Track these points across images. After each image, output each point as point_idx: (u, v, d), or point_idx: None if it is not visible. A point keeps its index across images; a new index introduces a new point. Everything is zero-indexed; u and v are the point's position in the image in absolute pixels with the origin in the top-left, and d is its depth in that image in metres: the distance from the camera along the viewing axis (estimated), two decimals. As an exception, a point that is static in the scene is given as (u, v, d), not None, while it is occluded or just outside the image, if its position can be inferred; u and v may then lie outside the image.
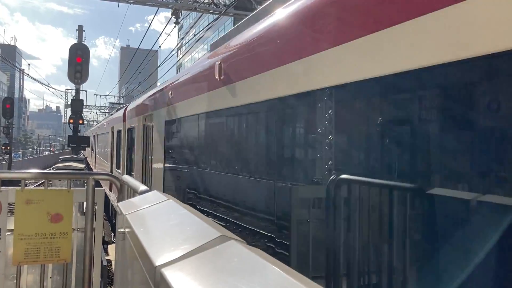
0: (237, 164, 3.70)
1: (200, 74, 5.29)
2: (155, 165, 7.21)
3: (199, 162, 5.02)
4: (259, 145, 3.30)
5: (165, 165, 6.36)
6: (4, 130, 27.88)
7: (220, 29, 60.48)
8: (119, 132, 12.56)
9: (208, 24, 42.15)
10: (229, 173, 3.82)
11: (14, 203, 2.77)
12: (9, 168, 29.04)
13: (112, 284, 7.73)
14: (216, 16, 17.58)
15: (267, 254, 1.03)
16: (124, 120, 11.51)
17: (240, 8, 17.83)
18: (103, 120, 29.87)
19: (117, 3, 15.10)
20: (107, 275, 7.59)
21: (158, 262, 1.08)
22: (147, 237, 1.36)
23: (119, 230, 1.91)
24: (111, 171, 13.48)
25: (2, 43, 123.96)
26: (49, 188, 2.89)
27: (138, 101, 10.09)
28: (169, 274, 0.99)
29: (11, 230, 2.79)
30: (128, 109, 11.43)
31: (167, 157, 6.40)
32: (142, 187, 2.48)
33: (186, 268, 1.03)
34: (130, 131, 10.37)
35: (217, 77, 3.99)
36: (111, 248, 10.68)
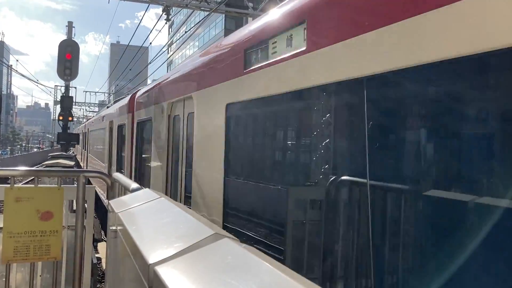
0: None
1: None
2: (209, 175, 4.25)
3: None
4: None
5: (235, 173, 3.85)
6: (-8, 126, 27.58)
7: (211, 26, 60.27)
8: (121, 127, 10.08)
9: (199, 21, 41.97)
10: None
11: (3, 200, 2.74)
12: (-3, 165, 28.73)
13: (103, 282, 7.70)
14: (207, 13, 17.52)
15: (260, 252, 1.04)
16: (131, 110, 9.14)
17: (231, 5, 17.80)
18: (97, 114, 23.93)
19: (107, -1, 15.00)
20: (97, 273, 7.56)
21: (151, 260, 1.08)
22: (140, 235, 1.36)
23: (110, 228, 1.90)
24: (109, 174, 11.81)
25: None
26: (39, 185, 2.87)
27: (160, 83, 7.31)
28: (163, 272, 0.99)
29: (0, 228, 2.77)
30: (139, 95, 8.85)
31: (237, 160, 3.86)
32: (134, 185, 2.47)
33: (180, 266, 1.03)
34: (142, 124, 8.12)
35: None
36: (101, 246, 10.63)
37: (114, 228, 1.83)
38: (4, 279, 2.86)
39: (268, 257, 0.98)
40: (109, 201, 2.25)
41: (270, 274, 0.86)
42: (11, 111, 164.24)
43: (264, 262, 0.92)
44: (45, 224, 2.82)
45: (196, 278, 0.94)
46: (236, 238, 1.19)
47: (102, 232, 14.12)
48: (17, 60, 37.16)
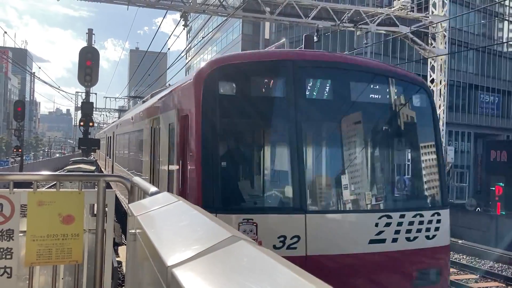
0: None
1: None
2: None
3: None
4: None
5: None
6: (16, 132, 28.20)
7: (229, 31, 60.54)
8: (172, 125, 6.36)
9: (217, 26, 42.16)
10: None
11: (26, 204, 2.80)
12: (21, 170, 29.33)
13: (123, 286, 7.77)
14: (225, 18, 17.62)
15: (277, 255, 1.04)
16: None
17: (248, 10, 17.86)
18: (127, 112, 19.00)
19: (127, 6, 15.22)
20: (118, 277, 7.63)
21: (169, 262, 1.09)
22: (158, 238, 1.37)
23: (130, 231, 1.92)
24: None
25: (13, 46, 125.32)
26: (60, 190, 2.92)
27: None
28: (181, 274, 1.00)
29: (24, 232, 2.82)
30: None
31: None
32: (153, 189, 2.50)
33: (197, 268, 1.04)
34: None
35: None
36: (122, 249, 10.74)
37: (133, 231, 1.85)
38: (27, 282, 2.92)
39: (285, 260, 0.98)
40: (129, 205, 2.27)
41: (286, 277, 0.86)
42: (34, 117, 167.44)
43: (280, 265, 0.92)
44: (66, 227, 2.87)
45: (213, 280, 0.95)
46: (253, 241, 1.20)
47: (123, 236, 14.25)
48: (40, 67, 37.85)
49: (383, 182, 6.25)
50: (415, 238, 5.28)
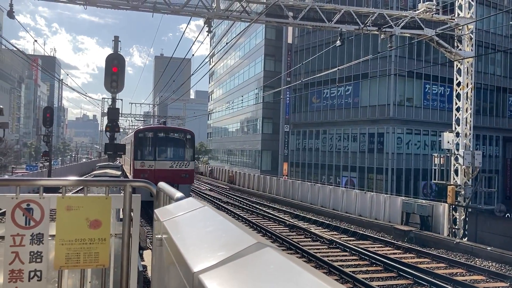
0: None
1: None
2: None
3: None
4: None
5: None
6: (45, 138, 28.85)
7: (252, 36, 60.79)
8: (131, 143, 28.84)
9: (240, 32, 42.30)
10: None
11: (55, 209, 2.86)
12: (49, 175, 30.01)
13: (148, 290, 7.84)
14: (248, 23, 17.69)
15: (303, 262, 1.04)
16: None
17: (271, 15, 17.90)
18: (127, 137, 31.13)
19: (152, 13, 15.45)
20: (143, 281, 7.71)
21: (196, 268, 1.10)
22: (184, 243, 1.39)
23: (156, 236, 1.95)
24: None
25: (43, 54, 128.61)
26: (88, 195, 2.97)
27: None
28: (207, 280, 1.01)
29: (53, 236, 2.88)
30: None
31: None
32: (178, 194, 2.52)
33: (223, 274, 1.05)
34: None
35: None
36: (147, 254, 10.85)
37: (159, 236, 1.87)
38: (56, 285, 2.97)
39: (311, 268, 0.98)
40: (155, 210, 2.30)
41: (314, 285, 0.85)
42: (62, 123, 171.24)
43: (308, 273, 0.92)
44: (94, 232, 2.91)
45: (239, 286, 0.95)
46: (279, 248, 1.19)
47: (148, 240, 14.40)
48: (67, 74, 38.73)
49: (177, 156, 23.35)
50: (181, 165, 22.84)
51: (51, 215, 2.90)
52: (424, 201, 20.89)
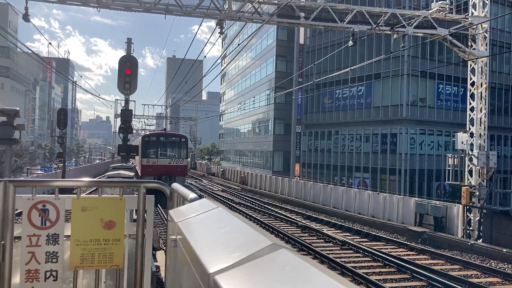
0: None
1: None
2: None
3: None
4: None
5: None
6: (59, 139, 29.16)
7: (264, 37, 60.81)
8: (140, 145, 34.42)
9: (252, 33, 42.32)
10: None
11: (70, 210, 2.89)
12: (63, 176, 30.33)
13: (161, 290, 7.88)
14: (260, 24, 17.71)
15: (319, 263, 1.03)
16: None
17: (283, 16, 17.89)
18: (137, 140, 42.29)
19: (164, 15, 15.55)
20: (156, 281, 7.75)
21: (211, 269, 1.10)
22: (199, 244, 1.39)
23: (171, 237, 1.95)
24: None
25: (57, 56, 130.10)
26: (102, 196, 3.00)
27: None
28: (223, 281, 1.01)
29: (68, 236, 2.91)
30: None
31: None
32: (192, 195, 2.53)
33: (239, 275, 1.05)
34: None
35: None
36: (159, 254, 10.91)
37: (174, 237, 1.88)
38: (71, 285, 3.00)
39: (327, 269, 0.97)
40: (169, 211, 2.30)
41: (330, 286, 0.85)
42: (76, 125, 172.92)
43: (324, 274, 0.91)
44: (108, 232, 2.93)
45: (255, 287, 0.95)
46: (294, 249, 1.19)
47: (160, 241, 14.48)
48: (81, 76, 39.20)
49: (174, 155, 30.19)
50: (177, 160, 29.69)
51: (66, 216, 2.93)
52: (437, 202, 20.69)
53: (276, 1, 17.30)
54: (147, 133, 39.22)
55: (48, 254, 2.82)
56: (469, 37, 19.17)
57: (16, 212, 2.82)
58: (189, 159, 41.87)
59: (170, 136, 32.27)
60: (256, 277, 1.02)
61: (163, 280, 8.49)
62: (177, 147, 31.00)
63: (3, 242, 2.73)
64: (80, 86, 30.44)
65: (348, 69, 21.02)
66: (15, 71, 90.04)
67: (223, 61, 76.00)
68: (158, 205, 20.99)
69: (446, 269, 13.60)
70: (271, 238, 1.29)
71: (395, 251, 15.81)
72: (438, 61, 38.76)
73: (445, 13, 18.43)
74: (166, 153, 30.64)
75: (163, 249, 12.32)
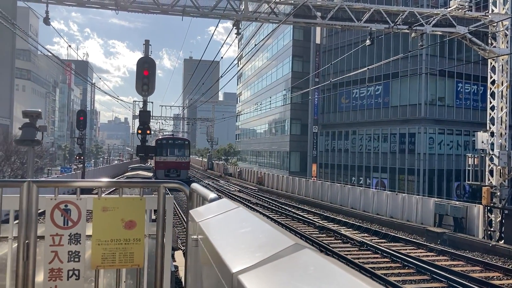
0: None
1: None
2: None
3: None
4: None
5: None
6: (78, 141, 29.57)
7: (280, 37, 60.75)
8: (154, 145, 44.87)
9: (268, 34, 42.39)
10: None
11: (90, 210, 2.93)
12: (83, 176, 30.75)
13: (179, 290, 7.93)
14: (276, 25, 17.71)
15: (343, 264, 1.03)
16: None
17: (299, 15, 17.84)
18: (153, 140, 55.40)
19: (181, 16, 15.64)
20: (175, 281, 7.80)
21: (234, 268, 1.11)
22: (221, 244, 1.39)
23: (192, 237, 1.96)
24: None
25: (76, 59, 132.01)
26: (123, 196, 3.03)
27: None
28: (247, 280, 1.01)
29: (89, 236, 2.95)
30: None
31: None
32: (212, 195, 2.54)
33: (262, 275, 1.05)
34: None
35: None
36: (178, 254, 10.98)
37: (195, 237, 1.89)
38: (93, 284, 3.04)
39: (351, 269, 0.97)
40: (189, 211, 2.32)
41: (355, 286, 0.85)
42: (94, 126, 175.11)
43: (349, 274, 0.91)
44: (128, 232, 2.97)
45: (280, 287, 0.95)
46: (317, 249, 1.19)
47: (178, 241, 14.57)
48: (100, 78, 39.70)
49: (180, 153, 42.21)
50: (182, 158, 42.15)
51: (87, 216, 2.97)
52: (457, 202, 20.38)
53: (293, 1, 17.27)
54: (160, 137, 51.66)
55: (70, 253, 2.87)
56: (489, 35, 18.86)
57: (38, 211, 2.88)
58: (190, 157, 54.32)
59: (177, 140, 45.78)
60: (280, 276, 1.02)
61: (181, 280, 8.55)
62: (182, 148, 43.53)
63: (27, 241, 2.78)
64: (99, 88, 30.80)
65: (365, 69, 20.86)
66: (36, 74, 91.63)
67: (239, 62, 76.17)
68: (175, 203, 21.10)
69: (466, 270, 13.39)
70: (293, 238, 1.29)
71: (414, 252, 15.63)
72: (457, 60, 38.20)
73: (464, 11, 18.16)
74: (174, 153, 42.64)
75: (181, 249, 12.40)
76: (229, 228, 1.69)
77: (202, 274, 1.71)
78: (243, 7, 16.79)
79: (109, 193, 16.67)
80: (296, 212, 24.97)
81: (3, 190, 2.90)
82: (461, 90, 39.17)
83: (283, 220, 21.82)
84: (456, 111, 39.03)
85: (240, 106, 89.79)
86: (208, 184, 41.25)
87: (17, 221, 2.88)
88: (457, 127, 38.85)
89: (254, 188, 40.90)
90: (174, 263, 8.98)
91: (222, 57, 19.72)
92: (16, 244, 2.86)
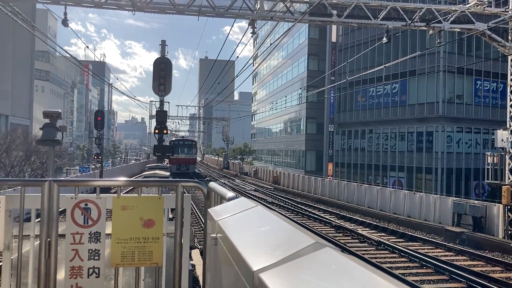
0: None
1: None
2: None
3: None
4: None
5: None
6: (96, 141, 29.93)
7: (295, 36, 60.59)
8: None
9: (284, 33, 42.28)
10: None
11: (111, 209, 2.96)
12: (101, 176, 31.13)
13: (196, 288, 7.98)
14: (292, 23, 17.66)
15: (365, 263, 1.02)
16: None
17: (315, 14, 17.76)
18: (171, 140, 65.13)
19: (197, 16, 15.71)
20: (192, 279, 7.85)
21: (255, 267, 1.11)
22: (241, 243, 1.40)
23: (210, 235, 1.97)
24: None
25: (93, 60, 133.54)
26: (142, 195, 3.06)
27: None
28: (267, 279, 1.02)
29: (108, 234, 2.99)
30: None
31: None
32: (230, 194, 2.55)
33: (283, 274, 1.05)
34: None
35: None
36: (195, 253, 11.04)
37: (214, 235, 1.89)
38: (112, 282, 3.08)
39: (373, 268, 0.96)
40: (208, 210, 2.33)
41: (380, 285, 0.84)
42: (112, 126, 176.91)
43: (371, 273, 0.90)
44: (147, 231, 2.99)
45: (301, 286, 0.95)
46: (337, 248, 1.18)
47: (195, 240, 14.65)
48: (117, 78, 40.14)
49: (188, 151, 54.50)
50: (190, 155, 54.80)
51: (107, 215, 3.01)
52: (476, 201, 20.09)
53: (308, 0, 17.21)
54: (173, 138, 61.80)
55: (90, 251, 2.91)
56: (509, 31, 18.52)
57: (59, 210, 2.92)
58: (197, 155, 68.10)
59: (186, 141, 58.27)
60: (301, 275, 1.02)
61: (198, 278, 8.60)
62: (190, 148, 55.79)
63: (48, 239, 2.83)
64: (116, 88, 31.20)
65: (382, 67, 20.69)
66: (55, 75, 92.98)
67: (254, 61, 76.21)
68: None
69: (486, 270, 13.19)
70: (313, 237, 1.28)
71: (432, 252, 15.46)
72: (476, 57, 37.62)
73: (484, 7, 17.87)
74: (184, 151, 53.67)
75: (198, 248, 12.46)
76: (248, 226, 1.69)
77: (222, 272, 1.72)
78: (258, 6, 16.79)
79: (126, 192, 16.80)
80: (312, 211, 24.90)
81: (25, 189, 2.96)
82: (480, 87, 38.57)
83: (299, 219, 21.78)
84: (474, 109, 38.45)
85: (255, 105, 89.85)
86: (224, 183, 41.37)
87: (38, 220, 2.94)
88: (476, 125, 38.28)
89: (270, 187, 40.90)
90: (191, 262, 9.03)
91: (237, 57, 19.76)
92: (38, 242, 2.92)
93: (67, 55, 19.98)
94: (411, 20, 17.01)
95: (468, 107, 38.31)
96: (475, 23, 17.85)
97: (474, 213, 18.15)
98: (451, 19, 17.38)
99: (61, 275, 2.91)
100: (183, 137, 65.75)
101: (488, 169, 19.25)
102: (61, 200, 2.89)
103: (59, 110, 8.64)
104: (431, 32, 17.47)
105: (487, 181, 19.88)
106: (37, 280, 2.86)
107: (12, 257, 3.05)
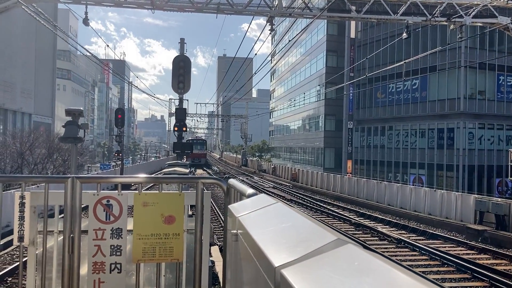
0: None
1: None
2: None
3: None
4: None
5: None
6: (117, 138, 30.31)
7: (313, 32, 60.25)
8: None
9: (302, 29, 42.08)
10: None
11: (132, 205, 3.00)
12: (121, 173, 31.52)
13: (215, 284, 8.02)
14: (311, 20, 17.57)
15: (388, 260, 1.01)
16: None
17: (333, 10, 17.63)
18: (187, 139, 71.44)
19: (215, 14, 15.76)
20: (212, 275, 7.90)
21: (277, 263, 1.11)
22: (262, 239, 1.40)
23: (231, 231, 1.98)
24: None
25: (113, 58, 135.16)
26: (162, 191, 3.09)
27: None
28: (290, 275, 1.02)
29: (130, 231, 3.03)
30: None
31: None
32: (250, 190, 2.55)
33: (305, 270, 1.05)
34: None
35: None
36: (214, 250, 11.10)
37: (234, 231, 1.90)
38: (133, 277, 3.12)
39: (397, 265, 0.96)
40: (228, 206, 2.34)
41: (404, 282, 0.83)
42: (132, 124, 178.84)
43: (396, 270, 0.90)
44: (168, 227, 3.03)
45: (324, 282, 0.94)
46: (359, 244, 1.18)
47: (215, 236, 14.73)
48: (137, 77, 40.51)
49: (200, 147, 68.91)
50: (201, 150, 67.87)
51: (128, 211, 3.04)
52: (499, 199, 19.72)
53: (327, -4, 17.10)
54: (189, 138, 70.43)
55: (112, 247, 2.95)
56: (533, 25, 18.09)
57: (82, 206, 2.97)
58: (207, 150, 78.14)
59: (198, 140, 71.75)
60: (323, 271, 1.01)
61: (218, 275, 8.65)
62: (201, 145, 68.96)
63: (72, 235, 2.88)
64: (136, 86, 31.45)
65: (402, 62, 20.44)
66: (76, 73, 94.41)
67: (272, 58, 76.07)
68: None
69: (510, 270, 12.95)
70: (335, 233, 1.28)
71: (454, 250, 15.24)
72: (498, 52, 36.86)
73: (507, 1, 17.49)
74: (197, 148, 61.78)
75: (217, 245, 12.53)
76: (269, 223, 1.69)
77: (242, 268, 1.73)
78: (276, 3, 16.74)
79: (146, 189, 17.00)
80: (331, 208, 24.78)
81: (49, 185, 3.02)
82: (503, 83, 37.79)
83: (318, 217, 21.70)
84: (497, 105, 37.70)
85: (273, 102, 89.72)
86: (243, 180, 41.47)
87: (62, 216, 2.99)
88: (499, 121, 37.54)
89: (288, 184, 40.83)
90: (211, 258, 9.08)
91: (255, 54, 19.74)
92: (62, 238, 2.97)
93: (88, 54, 20.28)
94: (432, 15, 16.75)
95: (491, 103, 37.58)
96: (498, 17, 17.49)
97: (497, 211, 17.82)
98: (473, 13, 17.06)
99: (84, 270, 2.97)
100: (196, 137, 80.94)
101: (511, 166, 18.87)
102: (84, 197, 2.94)
103: (81, 108, 8.78)
104: (452, 27, 17.18)
105: (511, 178, 19.49)
106: (61, 275, 2.92)
107: (36, 252, 3.11)
